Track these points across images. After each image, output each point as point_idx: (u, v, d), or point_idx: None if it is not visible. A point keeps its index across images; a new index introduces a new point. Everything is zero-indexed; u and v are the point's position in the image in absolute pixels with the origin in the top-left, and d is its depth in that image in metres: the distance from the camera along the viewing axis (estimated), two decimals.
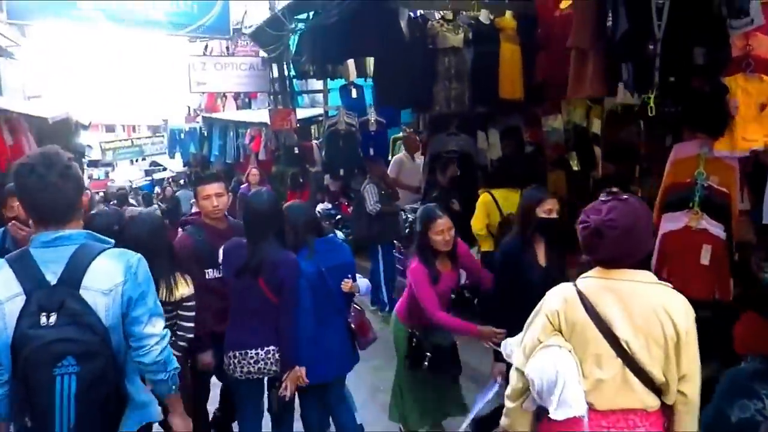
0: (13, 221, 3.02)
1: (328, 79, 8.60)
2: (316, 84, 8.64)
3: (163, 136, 22.14)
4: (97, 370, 1.64)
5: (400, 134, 8.64)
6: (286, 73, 8.23)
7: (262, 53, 8.40)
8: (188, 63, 7.63)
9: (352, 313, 3.15)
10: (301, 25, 7.32)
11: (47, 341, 1.60)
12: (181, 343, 2.85)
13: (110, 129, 30.65)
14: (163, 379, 1.90)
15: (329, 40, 5.46)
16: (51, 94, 15.80)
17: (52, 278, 1.69)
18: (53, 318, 1.62)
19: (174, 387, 1.96)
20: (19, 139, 9.26)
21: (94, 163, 28.74)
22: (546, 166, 5.43)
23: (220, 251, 2.95)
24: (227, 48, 11.32)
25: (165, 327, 1.92)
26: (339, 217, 8.35)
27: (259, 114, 12.04)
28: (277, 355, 2.84)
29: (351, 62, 8.65)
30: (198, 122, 16.19)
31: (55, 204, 1.73)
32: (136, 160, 27.10)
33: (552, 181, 5.23)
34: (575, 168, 5.09)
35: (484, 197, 4.52)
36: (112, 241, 1.89)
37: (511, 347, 2.08)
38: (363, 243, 6.30)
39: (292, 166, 8.35)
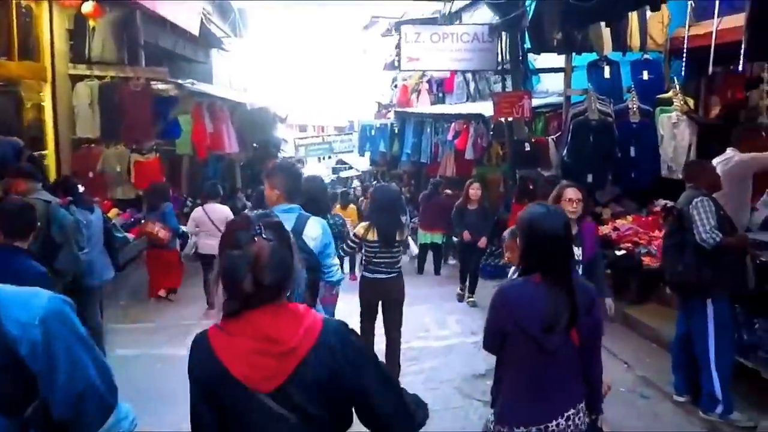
0: None
1: (573, 54, 6.48)
2: (555, 62, 6.63)
3: (351, 134, 21.82)
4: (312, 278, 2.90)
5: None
6: (519, 44, 6.30)
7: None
8: (401, 33, 6.12)
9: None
10: None
11: None
12: None
13: (302, 128, 32.22)
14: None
15: None
16: (254, 88, 15.98)
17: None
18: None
19: None
20: (219, 128, 8.80)
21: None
22: None
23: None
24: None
25: None
26: None
27: (466, 107, 10.30)
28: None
29: (605, 29, 6.41)
30: (389, 119, 15.13)
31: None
32: (325, 158, 27.60)
33: None
34: None
35: None
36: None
37: None
38: (683, 292, 3.89)
39: (522, 167, 6.41)
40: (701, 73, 6.69)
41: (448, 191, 9.38)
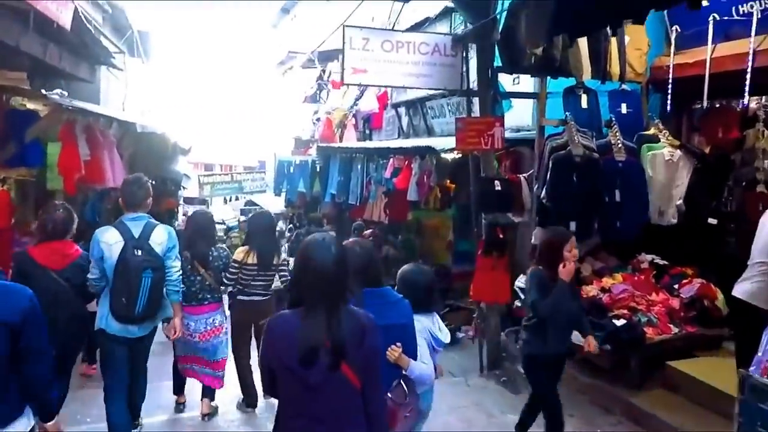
0: None
1: (548, 79, 5.46)
2: (523, 84, 5.60)
3: (263, 172, 20.06)
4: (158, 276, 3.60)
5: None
6: (489, 60, 5.17)
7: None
8: (345, 38, 4.77)
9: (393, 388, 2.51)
10: None
11: (139, 261, 3.50)
12: None
13: (209, 168, 30.12)
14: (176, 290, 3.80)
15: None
16: (154, 117, 13.90)
17: (137, 234, 3.56)
18: (139, 252, 3.51)
19: (178, 298, 3.84)
20: (98, 156, 6.87)
21: (189, 201, 27.72)
22: None
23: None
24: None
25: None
26: None
27: (408, 141, 9.15)
28: None
29: (585, 51, 5.49)
30: (310, 155, 13.65)
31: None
32: (230, 199, 25.51)
33: None
34: None
35: None
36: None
37: None
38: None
39: (488, 211, 5.17)
40: (682, 108, 5.94)
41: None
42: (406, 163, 7.77)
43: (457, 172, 7.44)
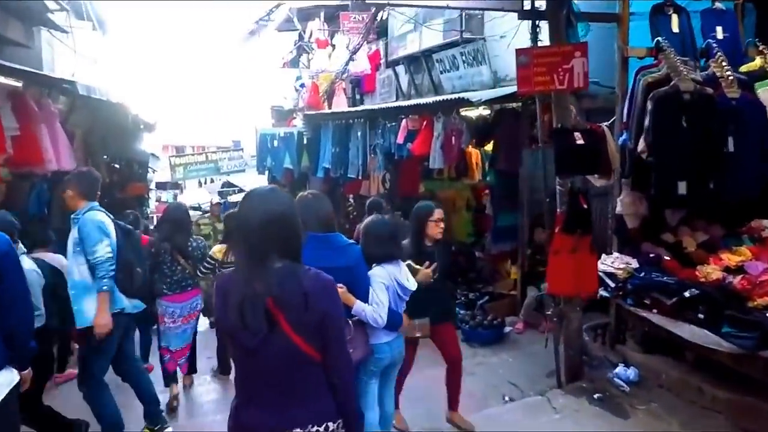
0: None
1: None
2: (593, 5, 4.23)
3: (241, 150, 18.35)
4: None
5: None
6: None
7: None
8: None
9: None
10: None
11: None
12: None
13: (180, 150, 28.28)
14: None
15: None
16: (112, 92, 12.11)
17: None
18: None
19: (105, 287, 3.42)
20: (32, 130, 5.31)
21: (162, 186, 25.97)
22: None
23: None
24: None
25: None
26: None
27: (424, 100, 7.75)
28: None
29: None
30: (295, 126, 12.08)
31: None
32: (206, 182, 23.78)
33: None
34: None
35: None
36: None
37: None
38: None
39: (566, 173, 3.83)
40: None
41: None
42: (424, 124, 6.35)
43: (493, 131, 6.08)
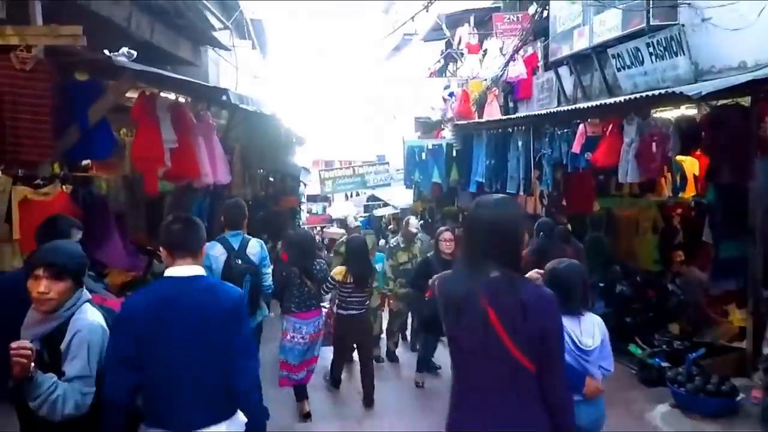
0: None
1: None
2: None
3: (387, 164, 18.23)
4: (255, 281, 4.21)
5: None
6: None
7: None
8: None
9: None
10: None
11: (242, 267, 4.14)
12: None
13: (329, 165, 29.60)
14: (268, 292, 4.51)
15: None
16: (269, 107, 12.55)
17: (236, 246, 4.22)
18: (240, 260, 4.17)
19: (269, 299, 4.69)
20: (190, 143, 5.28)
21: (313, 198, 27.26)
22: None
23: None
24: None
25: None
26: None
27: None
28: None
29: None
30: (443, 137, 11.45)
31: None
32: (352, 195, 24.26)
33: None
34: None
35: None
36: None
37: None
38: None
39: None
40: None
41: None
42: (609, 128, 5.26)
43: (702, 134, 4.80)
